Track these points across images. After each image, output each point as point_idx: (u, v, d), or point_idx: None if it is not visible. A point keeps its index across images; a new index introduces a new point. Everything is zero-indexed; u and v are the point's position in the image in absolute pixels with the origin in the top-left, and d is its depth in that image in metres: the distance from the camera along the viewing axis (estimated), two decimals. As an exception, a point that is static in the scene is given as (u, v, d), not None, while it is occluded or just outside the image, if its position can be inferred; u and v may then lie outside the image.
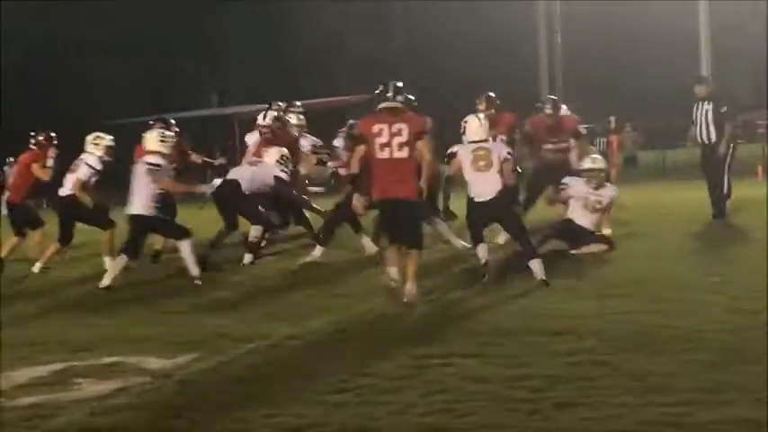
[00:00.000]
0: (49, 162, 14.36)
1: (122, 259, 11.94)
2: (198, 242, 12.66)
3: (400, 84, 9.80)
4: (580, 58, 46.20)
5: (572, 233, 12.50)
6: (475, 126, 11.25)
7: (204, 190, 13.72)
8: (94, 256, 14.77)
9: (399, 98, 9.72)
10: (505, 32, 51.75)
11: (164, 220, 12.48)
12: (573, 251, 12.37)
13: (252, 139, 15.00)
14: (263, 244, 13.81)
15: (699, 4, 38.19)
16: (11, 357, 8.07)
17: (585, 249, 12.35)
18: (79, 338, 8.80)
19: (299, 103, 16.07)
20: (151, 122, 14.64)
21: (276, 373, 7.14)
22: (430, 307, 9.43)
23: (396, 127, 9.51)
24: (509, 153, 11.45)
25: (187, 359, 7.70)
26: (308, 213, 14.51)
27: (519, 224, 11.20)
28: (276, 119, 14.70)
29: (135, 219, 12.01)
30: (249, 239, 13.35)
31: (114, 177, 13.84)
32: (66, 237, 13.63)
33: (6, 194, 14.81)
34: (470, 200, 11.17)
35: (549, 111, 14.01)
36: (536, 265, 10.45)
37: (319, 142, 15.69)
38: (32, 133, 14.74)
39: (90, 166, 13.30)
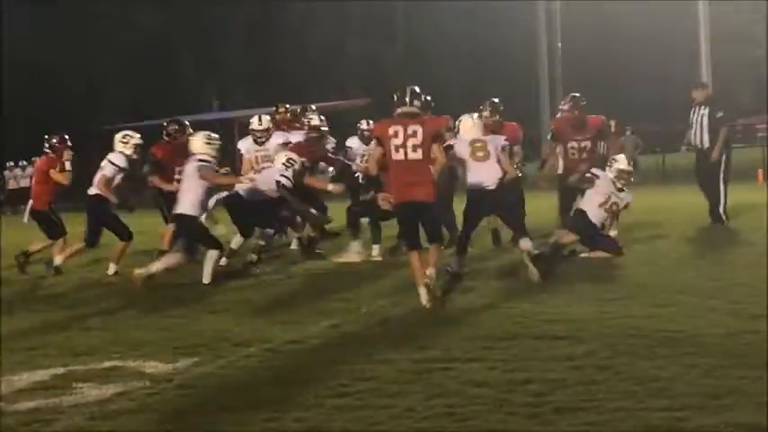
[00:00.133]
0: (67, 165, 14.17)
1: (176, 256, 11.99)
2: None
3: (417, 88, 9.90)
4: (580, 63, 46.25)
5: (585, 227, 12.45)
6: (468, 125, 11.40)
7: (252, 177, 13.40)
8: (96, 261, 14.79)
9: (416, 103, 9.81)
10: (505, 36, 51.86)
11: (203, 226, 12.45)
12: (583, 254, 12.36)
13: (244, 145, 14.87)
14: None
15: (699, 9, 38.24)
16: (11, 361, 8.06)
17: (593, 255, 12.33)
18: (80, 342, 8.79)
19: (314, 107, 15.91)
20: (165, 123, 14.69)
21: (276, 377, 7.13)
22: (430, 311, 9.42)
23: (411, 129, 9.61)
24: (506, 140, 11.59)
25: (187, 363, 7.69)
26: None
27: (519, 217, 11.24)
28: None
29: (180, 218, 12.02)
30: (250, 249, 13.36)
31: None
32: (92, 239, 13.59)
33: (30, 203, 14.70)
34: (470, 190, 11.19)
35: (569, 108, 14.04)
36: (530, 264, 10.57)
37: (333, 142, 15.61)
38: (45, 137, 14.60)
39: (114, 165, 13.29)
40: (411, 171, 9.63)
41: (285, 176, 13.32)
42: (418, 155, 9.60)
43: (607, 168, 12.79)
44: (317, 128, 14.40)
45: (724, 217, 15.22)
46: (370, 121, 15.26)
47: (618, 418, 5.70)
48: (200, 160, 12.08)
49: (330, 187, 13.90)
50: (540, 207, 15.24)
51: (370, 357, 7.51)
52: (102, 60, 52.12)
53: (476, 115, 11.82)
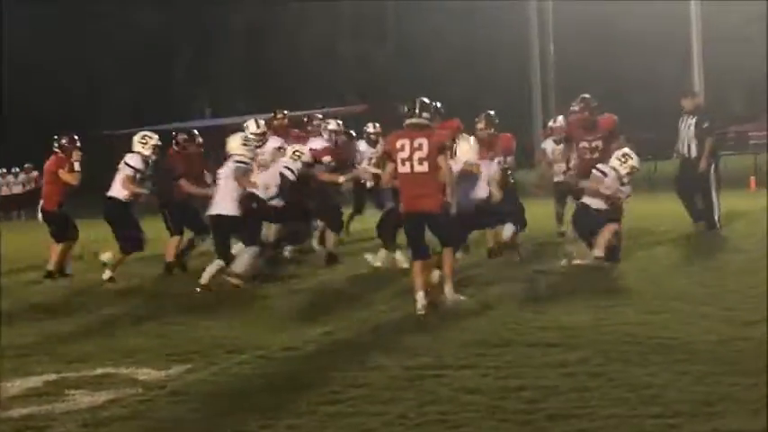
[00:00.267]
0: (76, 166, 14.08)
1: (218, 263, 11.98)
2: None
3: (426, 99, 10.08)
4: (573, 69, 46.25)
5: (587, 219, 12.47)
6: (465, 148, 11.62)
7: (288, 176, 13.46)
8: (90, 268, 14.76)
9: (425, 114, 9.99)
10: (498, 40, 51.90)
11: (243, 222, 12.26)
12: (576, 261, 12.36)
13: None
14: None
15: (691, 16, 38.28)
16: (4, 368, 8.05)
17: (586, 262, 12.30)
18: (72, 349, 8.78)
19: (320, 114, 16.05)
20: (174, 133, 14.72)
21: (269, 384, 7.13)
22: (423, 318, 9.43)
23: (417, 142, 9.82)
24: (499, 163, 11.93)
25: (180, 370, 7.69)
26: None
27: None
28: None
29: (217, 219, 12.00)
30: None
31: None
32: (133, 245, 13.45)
33: (41, 203, 14.67)
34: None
35: (580, 110, 14.11)
36: None
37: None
38: (55, 137, 14.51)
39: (130, 166, 13.25)
40: (418, 184, 9.86)
41: (290, 169, 13.30)
42: (424, 168, 9.80)
43: (618, 163, 12.70)
44: (343, 132, 14.86)
45: (718, 224, 15.25)
46: (377, 125, 15.50)
47: (611, 424, 5.70)
48: (238, 161, 12.11)
49: (341, 179, 14.06)
50: (537, 214, 15.23)
51: (363, 364, 7.51)
52: (102, 61, 52.04)
53: (473, 139, 12.04)
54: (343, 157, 14.46)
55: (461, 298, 10.11)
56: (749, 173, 27.84)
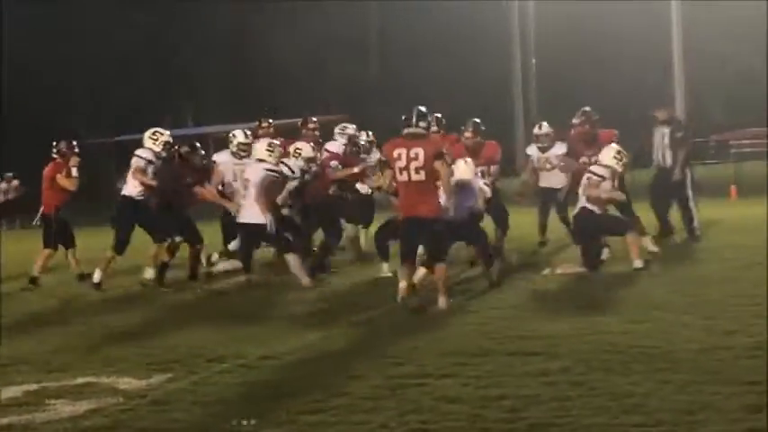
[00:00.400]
0: (74, 171, 14.09)
1: (232, 263, 12.04)
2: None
3: (423, 109, 10.39)
4: (553, 78, 46.43)
5: (590, 224, 12.52)
6: (462, 169, 11.79)
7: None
8: (76, 276, 14.71)
9: (422, 124, 10.29)
10: (480, 54, 52.01)
11: (275, 230, 12.33)
12: (558, 270, 12.38)
13: (221, 158, 14.71)
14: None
15: (672, 23, 38.45)
16: (-17, 378, 8.03)
17: (568, 271, 12.32)
18: (53, 358, 8.75)
19: (315, 119, 16.03)
20: (177, 146, 14.61)
21: (251, 393, 7.12)
22: (404, 327, 9.43)
23: (413, 151, 10.14)
24: (485, 184, 12.39)
25: (161, 379, 7.67)
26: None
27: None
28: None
29: (246, 227, 11.98)
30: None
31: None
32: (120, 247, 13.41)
33: (41, 209, 14.68)
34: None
35: (581, 123, 14.24)
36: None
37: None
38: (54, 143, 14.50)
39: (141, 158, 13.20)
40: (415, 192, 10.20)
41: (289, 167, 13.16)
42: (421, 176, 10.13)
43: (615, 161, 12.72)
44: (365, 141, 15.10)
45: (698, 233, 15.29)
46: (369, 132, 15.51)
47: (592, 434, 5.71)
48: (268, 170, 12.10)
49: (356, 169, 14.30)
50: (520, 222, 15.24)
51: (345, 373, 7.50)
52: (102, 61, 51.80)
53: (470, 160, 12.16)
54: (355, 163, 14.57)
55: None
56: (730, 182, 27.94)
